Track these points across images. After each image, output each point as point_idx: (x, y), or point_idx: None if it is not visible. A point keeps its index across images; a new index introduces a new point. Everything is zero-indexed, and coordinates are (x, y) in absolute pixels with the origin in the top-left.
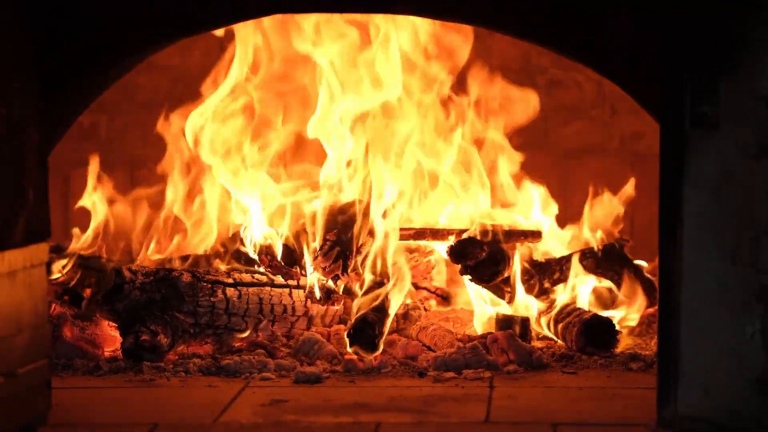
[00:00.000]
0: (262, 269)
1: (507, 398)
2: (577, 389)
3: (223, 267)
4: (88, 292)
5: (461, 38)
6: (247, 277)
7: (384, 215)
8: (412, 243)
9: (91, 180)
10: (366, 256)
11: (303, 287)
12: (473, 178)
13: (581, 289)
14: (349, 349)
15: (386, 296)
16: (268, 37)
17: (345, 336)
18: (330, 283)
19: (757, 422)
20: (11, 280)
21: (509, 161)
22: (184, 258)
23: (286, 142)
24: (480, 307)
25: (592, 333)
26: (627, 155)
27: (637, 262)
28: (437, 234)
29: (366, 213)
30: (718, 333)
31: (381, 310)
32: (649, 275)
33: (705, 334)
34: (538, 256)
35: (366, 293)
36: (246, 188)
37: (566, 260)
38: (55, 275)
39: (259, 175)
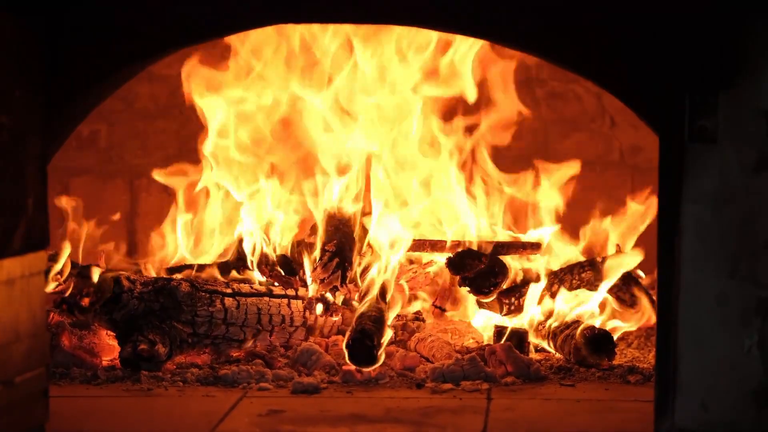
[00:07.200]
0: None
1: (505, 410)
2: (575, 401)
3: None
4: (86, 301)
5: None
6: (245, 287)
7: (384, 228)
8: (412, 254)
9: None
10: (366, 268)
11: (302, 297)
12: (474, 189)
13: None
14: (347, 359)
15: (384, 308)
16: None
17: (344, 347)
18: (328, 294)
19: None
20: (9, 289)
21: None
22: (185, 267)
23: (290, 151)
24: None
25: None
26: (626, 168)
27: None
28: (436, 246)
29: (366, 224)
30: (716, 346)
31: (379, 321)
32: (648, 288)
33: (703, 347)
34: (539, 268)
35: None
36: (247, 198)
37: (565, 272)
38: (52, 284)
39: (261, 184)
